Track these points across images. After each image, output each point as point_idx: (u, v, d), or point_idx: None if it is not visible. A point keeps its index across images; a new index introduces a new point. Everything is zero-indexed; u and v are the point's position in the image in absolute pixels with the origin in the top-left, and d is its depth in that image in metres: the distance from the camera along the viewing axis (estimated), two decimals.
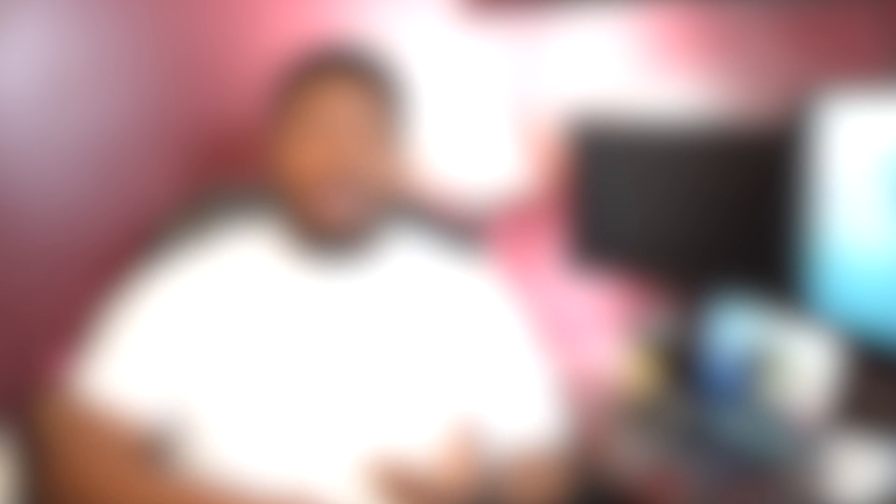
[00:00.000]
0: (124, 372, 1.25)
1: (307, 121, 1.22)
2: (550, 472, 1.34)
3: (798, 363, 1.81)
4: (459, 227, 1.58)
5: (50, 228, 1.85)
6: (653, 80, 2.16)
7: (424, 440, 1.23)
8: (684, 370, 1.91)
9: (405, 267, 1.32)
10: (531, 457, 1.32)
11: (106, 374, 1.26)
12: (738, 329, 1.87)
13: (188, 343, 1.24)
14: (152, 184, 1.89)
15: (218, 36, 1.91)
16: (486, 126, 2.02)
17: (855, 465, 1.53)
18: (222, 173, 1.91)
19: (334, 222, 1.22)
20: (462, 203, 1.97)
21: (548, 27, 2.13)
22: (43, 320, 1.86)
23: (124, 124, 1.87)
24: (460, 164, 2.00)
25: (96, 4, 1.84)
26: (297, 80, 1.25)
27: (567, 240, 2.10)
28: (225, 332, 1.24)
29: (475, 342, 1.31)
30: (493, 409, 1.31)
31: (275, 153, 1.25)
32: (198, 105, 1.91)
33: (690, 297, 1.97)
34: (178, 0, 1.88)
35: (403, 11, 2.02)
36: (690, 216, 1.88)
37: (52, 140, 1.84)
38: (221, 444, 1.20)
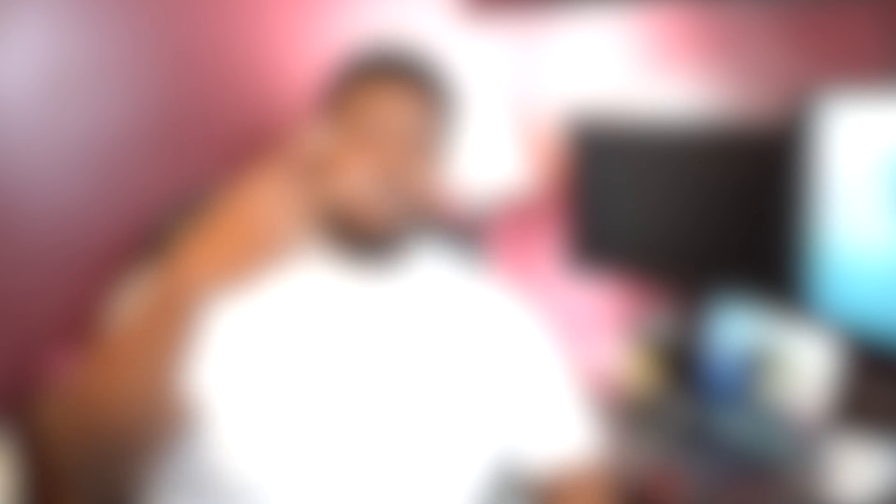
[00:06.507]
0: None
1: (358, 122, 1.21)
2: (597, 488, 1.33)
3: (798, 363, 1.81)
4: (460, 227, 1.57)
5: (50, 228, 1.85)
6: (653, 80, 2.16)
7: (458, 447, 1.23)
8: (684, 370, 1.91)
9: (431, 279, 1.31)
10: (576, 475, 1.32)
11: None
12: (738, 329, 1.87)
13: (212, 346, 1.22)
14: (152, 183, 1.89)
15: (218, 35, 1.91)
16: (486, 126, 2.02)
17: (855, 465, 1.53)
18: (223, 172, 1.91)
19: (372, 226, 1.22)
20: (462, 203, 1.97)
21: (548, 27, 2.13)
22: (43, 320, 1.86)
23: (124, 124, 1.88)
24: (460, 165, 2.00)
25: (96, 4, 1.84)
26: (354, 79, 1.24)
27: (567, 240, 2.10)
28: (250, 330, 1.22)
29: (507, 362, 1.31)
30: (530, 433, 1.31)
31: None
32: (197, 104, 1.91)
33: (690, 297, 1.98)
34: (178, 0, 1.88)
35: (403, 11, 2.02)
36: (690, 216, 1.88)
37: (52, 140, 1.84)
38: (241, 444, 1.19)
